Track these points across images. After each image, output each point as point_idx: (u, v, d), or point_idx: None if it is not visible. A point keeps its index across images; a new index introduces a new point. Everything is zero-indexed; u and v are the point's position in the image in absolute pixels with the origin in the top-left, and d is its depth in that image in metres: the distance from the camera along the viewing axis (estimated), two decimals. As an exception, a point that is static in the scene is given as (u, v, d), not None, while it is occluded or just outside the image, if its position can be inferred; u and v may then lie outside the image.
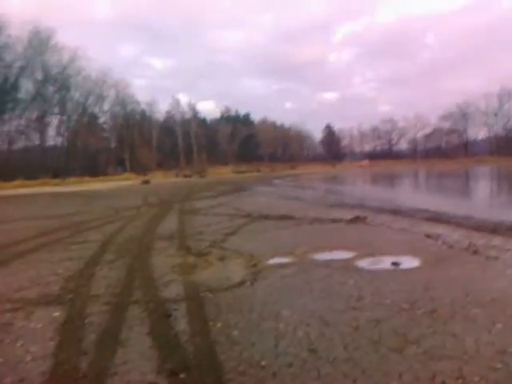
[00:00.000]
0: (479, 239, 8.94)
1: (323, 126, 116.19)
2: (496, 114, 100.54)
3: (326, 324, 4.53)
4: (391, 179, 46.32)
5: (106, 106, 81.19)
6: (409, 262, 7.19)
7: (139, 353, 3.97)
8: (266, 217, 14.05)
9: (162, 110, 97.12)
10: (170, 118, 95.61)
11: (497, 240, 8.81)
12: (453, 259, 7.30)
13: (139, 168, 72.48)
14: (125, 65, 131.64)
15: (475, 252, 7.77)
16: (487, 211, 13.99)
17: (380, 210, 15.23)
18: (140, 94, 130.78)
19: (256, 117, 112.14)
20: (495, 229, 10.23)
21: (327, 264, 7.21)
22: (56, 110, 72.10)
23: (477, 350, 3.79)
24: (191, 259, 7.95)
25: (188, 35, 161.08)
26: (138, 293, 5.91)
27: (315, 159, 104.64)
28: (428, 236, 9.50)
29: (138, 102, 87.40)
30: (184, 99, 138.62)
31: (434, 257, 7.49)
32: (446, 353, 3.76)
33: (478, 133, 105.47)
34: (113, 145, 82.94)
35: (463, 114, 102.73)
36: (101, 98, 78.70)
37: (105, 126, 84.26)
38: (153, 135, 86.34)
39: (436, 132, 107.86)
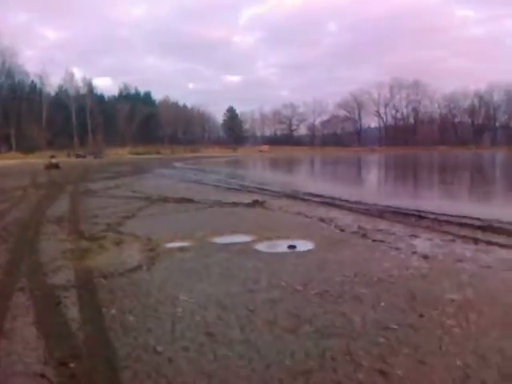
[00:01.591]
0: (368, 223, 9.55)
1: (226, 108, 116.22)
2: (387, 104, 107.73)
3: (224, 307, 4.56)
4: (290, 164, 47.87)
5: (-11, 76, 73.83)
6: (304, 245, 7.47)
7: (24, 343, 3.68)
8: (166, 200, 13.81)
9: (54, 83, 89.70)
10: (62, 92, 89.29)
11: (383, 224, 9.49)
12: (344, 242, 7.73)
13: (26, 146, 67.10)
14: (14, 33, 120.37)
15: (364, 235, 8.30)
16: (376, 197, 14.99)
17: (278, 195, 15.67)
18: (30, 66, 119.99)
19: (157, 96, 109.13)
20: (382, 214, 11.01)
21: (226, 248, 7.26)
22: None
23: (363, 327, 4.05)
24: (84, 244, 7.55)
25: (85, 6, 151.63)
26: (24, 280, 5.49)
27: (217, 142, 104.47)
28: (322, 220, 9.96)
29: (27, 74, 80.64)
30: (79, 73, 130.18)
31: (327, 240, 7.87)
32: (335, 331, 3.97)
33: (371, 121, 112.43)
34: (-4, 119, 75.75)
35: (357, 103, 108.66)
36: (-16, 67, 71.45)
37: (-13, 97, 76.66)
38: (43, 110, 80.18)
39: (333, 119, 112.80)
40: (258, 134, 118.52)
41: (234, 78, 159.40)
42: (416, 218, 10.23)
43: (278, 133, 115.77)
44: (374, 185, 24.92)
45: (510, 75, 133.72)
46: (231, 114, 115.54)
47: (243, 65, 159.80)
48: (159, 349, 3.60)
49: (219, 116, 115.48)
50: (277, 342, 3.76)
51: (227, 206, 12.50)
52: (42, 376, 3.18)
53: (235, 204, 12.77)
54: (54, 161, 37.00)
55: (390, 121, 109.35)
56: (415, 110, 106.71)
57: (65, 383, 3.10)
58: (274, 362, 3.41)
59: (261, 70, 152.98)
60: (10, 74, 75.26)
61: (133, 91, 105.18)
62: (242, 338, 3.84)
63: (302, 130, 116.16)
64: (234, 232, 8.60)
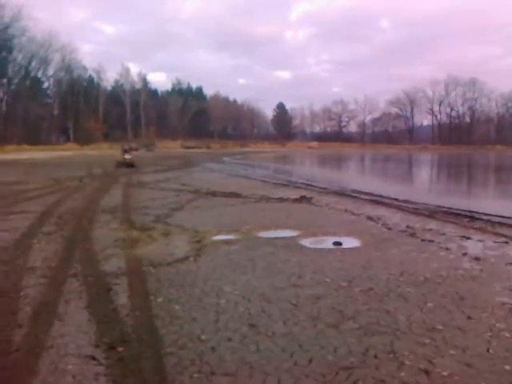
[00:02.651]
0: (417, 223, 9.33)
1: (275, 104, 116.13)
2: (441, 102, 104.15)
3: (267, 300, 4.61)
4: (339, 161, 47.34)
5: (50, 71, 77.32)
6: (350, 243, 7.41)
7: (76, 326, 3.88)
8: (214, 193, 14.02)
9: (110, 78, 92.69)
10: (118, 87, 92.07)
11: (433, 224, 9.24)
12: (391, 241, 7.59)
13: (84, 138, 69.86)
14: (73, 29, 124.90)
15: (412, 235, 8.12)
16: (426, 196, 14.59)
17: (326, 191, 15.56)
18: (88, 61, 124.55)
19: (208, 91, 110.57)
20: (432, 213, 10.72)
21: (271, 242, 7.31)
22: (-4, 72, 67.89)
23: (408, 327, 3.99)
24: (134, 233, 7.82)
25: (142, 2, 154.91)
26: (77, 266, 5.76)
27: (266, 138, 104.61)
28: (369, 218, 9.82)
29: (85, 69, 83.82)
30: (134, 69, 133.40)
31: (374, 238, 7.76)
32: (379, 329, 3.93)
33: (424, 119, 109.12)
34: (56, 112, 79.23)
35: (410, 100, 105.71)
36: (45, 62, 74.74)
37: (48, 91, 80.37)
38: (100, 104, 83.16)
39: (384, 116, 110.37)
40: (308, 130, 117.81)
41: (285, 74, 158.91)
42: (468, 219, 9.90)
43: (328, 129, 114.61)
44: (424, 183, 24.23)
45: None
46: (281, 109, 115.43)
47: (294, 61, 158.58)
48: (203, 337, 3.70)
49: (269, 112, 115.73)
50: (319, 336, 3.77)
51: (274, 201, 12.55)
52: (93, 358, 3.34)
53: (282, 199, 12.80)
54: (127, 157, 27.95)
55: (444, 119, 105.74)
56: (471, 109, 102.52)
57: (113, 366, 3.24)
58: (317, 356, 3.42)
59: (312, 67, 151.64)
60: (69, 69, 78.45)
61: (185, 86, 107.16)
62: (285, 331, 3.87)
63: (352, 127, 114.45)
64: (279, 227, 8.64)
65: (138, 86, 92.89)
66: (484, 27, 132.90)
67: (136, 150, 67.25)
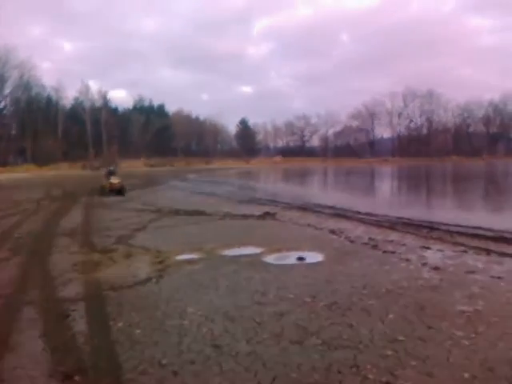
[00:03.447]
0: (378, 234, 9.50)
1: (238, 119, 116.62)
2: (400, 114, 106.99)
3: (231, 320, 4.57)
4: (302, 176, 47.80)
5: (7, 89, 75.07)
6: (313, 257, 7.46)
7: (30, 357, 3.73)
8: (177, 212, 13.89)
9: (69, 96, 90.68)
10: (78, 104, 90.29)
11: (394, 235, 9.43)
12: (354, 254, 7.69)
13: (42, 158, 67.92)
14: (30, 45, 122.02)
15: (374, 247, 8.25)
16: (387, 209, 14.89)
17: (289, 206, 15.66)
18: (46, 78, 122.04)
19: (171, 108, 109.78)
20: (393, 225, 10.94)
21: (235, 260, 7.27)
22: None
23: (371, 340, 4.02)
24: (95, 256, 7.63)
25: (101, 19, 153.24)
26: (33, 293, 5.56)
27: (230, 154, 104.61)
28: (332, 232, 9.93)
29: (43, 87, 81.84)
30: (94, 86, 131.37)
31: (337, 251, 7.84)
32: (342, 343, 3.94)
33: (384, 132, 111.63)
34: (13, 132, 76.82)
35: (370, 113, 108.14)
36: (2, 80, 72.59)
37: (5, 111, 77.97)
38: (59, 123, 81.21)
39: (345, 130, 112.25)
40: (271, 145, 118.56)
41: (247, 89, 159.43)
42: (427, 230, 10.15)
43: (291, 144, 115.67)
44: (385, 196, 24.77)
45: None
46: (244, 125, 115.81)
47: (256, 76, 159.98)
48: (165, 362, 3.61)
49: (232, 127, 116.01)
50: (283, 354, 3.75)
51: (238, 218, 12.53)
52: (48, 389, 3.21)
53: (246, 216, 12.79)
54: (114, 181, 21.73)
55: (404, 131, 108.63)
56: (429, 120, 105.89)
57: (70, 396, 3.13)
58: (280, 374, 3.40)
59: (274, 81, 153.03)
60: (27, 87, 76.32)
61: (147, 103, 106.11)
62: (249, 350, 3.83)
63: (315, 141, 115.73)
64: (243, 244, 8.61)
65: (99, 103, 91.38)
66: (438, 40, 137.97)
67: (98, 169, 66.05)
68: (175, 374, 3.42)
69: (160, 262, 7.09)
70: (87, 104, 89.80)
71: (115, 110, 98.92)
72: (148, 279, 6.13)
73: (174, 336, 4.15)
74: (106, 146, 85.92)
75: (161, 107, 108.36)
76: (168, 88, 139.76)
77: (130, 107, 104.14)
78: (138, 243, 8.74)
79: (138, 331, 4.28)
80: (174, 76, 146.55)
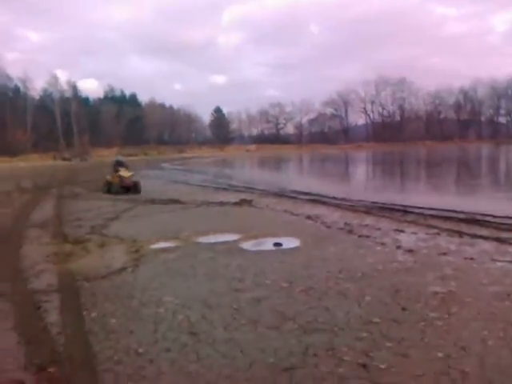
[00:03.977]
0: (354, 219, 9.58)
1: (212, 108, 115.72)
2: (373, 102, 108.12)
3: (208, 307, 4.53)
4: (277, 163, 47.89)
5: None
6: (290, 243, 7.47)
7: (2, 350, 3.62)
8: (152, 201, 13.72)
9: (38, 87, 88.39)
10: (47, 96, 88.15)
11: (369, 220, 9.52)
12: (330, 238, 7.73)
13: (11, 150, 66.16)
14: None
15: (350, 231, 8.31)
16: (362, 193, 15.03)
17: (265, 193, 15.66)
18: (12, 69, 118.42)
19: (143, 98, 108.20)
20: (368, 209, 11.05)
21: (212, 247, 7.23)
22: None
23: (346, 323, 4.05)
24: (67, 247, 7.47)
25: (68, 7, 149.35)
26: (4, 285, 5.40)
27: (204, 143, 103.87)
28: (309, 217, 9.96)
29: (9, 78, 79.47)
30: (63, 76, 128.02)
31: (313, 237, 7.87)
32: (319, 327, 3.96)
33: (358, 119, 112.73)
34: (-20, 125, 74.43)
35: (344, 101, 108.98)
36: (-36, 71, 70.16)
37: (-31, 104, 75.42)
38: (27, 114, 79.10)
39: (320, 117, 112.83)
40: (246, 133, 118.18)
41: (220, 79, 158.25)
42: (402, 213, 10.28)
43: (266, 132, 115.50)
44: (360, 181, 25.02)
45: (493, 70, 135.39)
46: (218, 114, 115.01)
47: (229, 65, 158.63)
48: (140, 350, 3.56)
49: (206, 116, 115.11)
50: (260, 339, 3.74)
51: (214, 205, 12.45)
52: (21, 383, 3.12)
53: (222, 203, 12.73)
54: (125, 174, 17.02)
55: (377, 118, 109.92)
56: (401, 107, 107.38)
57: (44, 388, 3.05)
58: (257, 359, 3.39)
59: (247, 70, 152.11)
60: (-8, 78, 74.11)
61: (118, 93, 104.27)
62: (226, 336, 3.81)
63: (290, 129, 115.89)
64: (219, 231, 8.56)
65: (68, 94, 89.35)
66: (406, 29, 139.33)
67: (69, 159, 64.76)
68: (151, 361, 3.37)
69: (135, 251, 6.99)
70: (56, 95, 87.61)
71: (86, 100, 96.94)
72: (123, 269, 6.03)
73: (150, 324, 4.09)
74: (77, 136, 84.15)
75: (133, 97, 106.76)
76: (139, 78, 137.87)
77: (101, 97, 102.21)
78: (112, 233, 8.60)
79: (112, 321, 4.21)
80: (145, 65, 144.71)
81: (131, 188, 16.41)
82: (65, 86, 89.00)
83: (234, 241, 7.68)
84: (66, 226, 9.61)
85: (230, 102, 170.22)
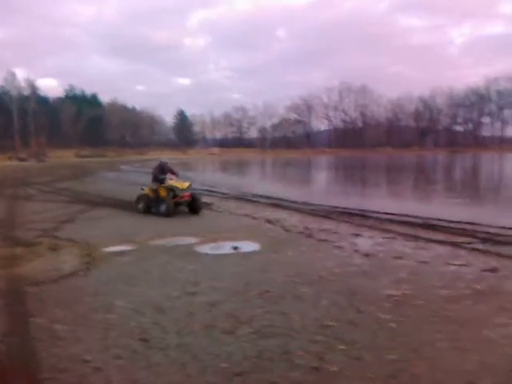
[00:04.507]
0: (313, 223, 9.63)
1: (176, 111, 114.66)
2: (336, 108, 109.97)
3: (161, 312, 4.41)
4: (240, 167, 47.85)
5: None
6: (249, 246, 7.41)
7: None
8: (108, 203, 13.39)
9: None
10: (4, 93, 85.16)
11: (328, 224, 9.59)
12: (289, 242, 7.73)
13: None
14: None
15: (309, 235, 8.34)
16: (323, 198, 15.14)
17: (226, 197, 15.58)
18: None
19: (105, 98, 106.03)
20: (328, 214, 11.15)
21: (168, 250, 7.09)
22: None
23: (302, 326, 4.02)
24: (17, 250, 7.15)
25: (29, 4, 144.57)
26: None
27: (166, 145, 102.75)
28: (268, 221, 9.95)
29: (-38, 74, 76.28)
30: (21, 74, 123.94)
31: (272, 240, 7.85)
32: (274, 331, 3.91)
33: (321, 125, 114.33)
34: None
35: (307, 106, 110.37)
36: None
37: None
38: (-18, 112, 76.05)
39: (283, 122, 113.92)
40: (209, 136, 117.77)
41: (185, 81, 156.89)
42: (360, 218, 10.42)
43: (229, 136, 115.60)
44: (321, 186, 25.30)
45: (451, 81, 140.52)
46: (181, 116, 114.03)
47: (194, 68, 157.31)
48: (88, 358, 3.41)
49: (169, 119, 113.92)
50: (214, 345, 3.65)
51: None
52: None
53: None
54: (179, 185, 11.51)
55: (339, 124, 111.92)
56: (363, 114, 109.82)
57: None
58: (210, 365, 3.31)
59: (212, 73, 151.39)
60: None
61: (79, 93, 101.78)
62: (178, 342, 3.71)
63: (253, 133, 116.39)
64: (177, 234, 8.42)
65: (26, 92, 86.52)
66: (371, 37, 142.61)
67: (25, 160, 62.66)
68: (98, 370, 3.23)
69: (88, 255, 6.76)
70: (14, 93, 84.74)
71: (45, 99, 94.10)
72: (74, 273, 5.81)
73: (100, 331, 3.94)
74: (34, 136, 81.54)
75: (94, 97, 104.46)
76: (102, 78, 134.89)
77: (62, 97, 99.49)
78: (65, 235, 8.30)
79: (60, 327, 4.02)
80: (108, 65, 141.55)
81: (189, 204, 11.56)
82: (23, 84, 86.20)
83: (192, 244, 7.56)
84: (17, 229, 9.21)
85: (195, 104, 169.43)
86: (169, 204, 10.98)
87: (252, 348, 3.58)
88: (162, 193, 11.30)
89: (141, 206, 11.66)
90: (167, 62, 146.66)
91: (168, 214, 10.82)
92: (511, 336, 3.79)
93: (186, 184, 11.62)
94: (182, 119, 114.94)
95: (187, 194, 11.44)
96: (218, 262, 6.36)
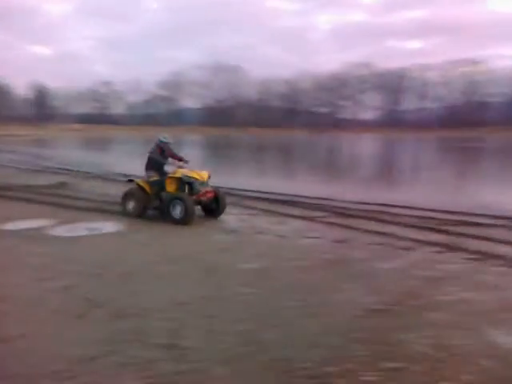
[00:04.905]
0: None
1: (31, 82, 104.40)
2: (207, 86, 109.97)
3: (3, 300, 4.02)
4: (104, 144, 45.56)
5: None
6: (109, 227, 7.08)
7: None
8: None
9: None
10: None
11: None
12: (151, 223, 7.59)
13: None
14: None
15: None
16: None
17: (88, 176, 14.74)
18: None
19: None
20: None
21: (16, 234, 6.49)
22: None
23: (159, 305, 3.96)
24: None
25: None
26: None
27: (20, 119, 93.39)
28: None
29: None
30: None
31: (133, 221, 7.63)
32: (129, 312, 3.80)
33: (191, 102, 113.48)
34: None
35: (178, 84, 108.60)
36: None
37: None
38: None
39: (152, 99, 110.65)
40: (71, 112, 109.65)
41: (43, 50, 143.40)
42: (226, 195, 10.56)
43: (94, 111, 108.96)
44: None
45: (316, 65, 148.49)
46: (38, 88, 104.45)
47: (54, 35, 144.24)
48: None
49: (23, 90, 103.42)
50: (61, 331, 3.43)
51: (27, 189, 11.21)
52: None
53: (37, 187, 11.54)
54: (200, 177, 8.04)
55: (210, 102, 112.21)
56: (233, 93, 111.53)
57: None
58: (58, 353, 3.10)
59: (75, 43, 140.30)
60: None
61: None
62: (22, 331, 3.40)
63: (120, 109, 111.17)
64: (27, 217, 7.70)
65: None
66: (244, 18, 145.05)
67: None
68: None
69: None
70: None
71: None
72: None
73: None
74: None
75: None
76: None
77: None
78: None
79: None
80: None
81: (206, 204, 8.10)
82: None
83: (44, 227, 6.99)
84: None
85: (55, 76, 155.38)
86: (188, 205, 7.38)
87: (104, 331, 3.44)
88: (171, 187, 8.01)
89: (131, 206, 8.05)
90: (22, 28, 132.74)
91: (186, 221, 7.31)
92: (354, 300, 4.16)
93: (206, 174, 8.34)
94: (39, 92, 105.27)
95: (209, 189, 8.07)
96: (74, 245, 5.99)
